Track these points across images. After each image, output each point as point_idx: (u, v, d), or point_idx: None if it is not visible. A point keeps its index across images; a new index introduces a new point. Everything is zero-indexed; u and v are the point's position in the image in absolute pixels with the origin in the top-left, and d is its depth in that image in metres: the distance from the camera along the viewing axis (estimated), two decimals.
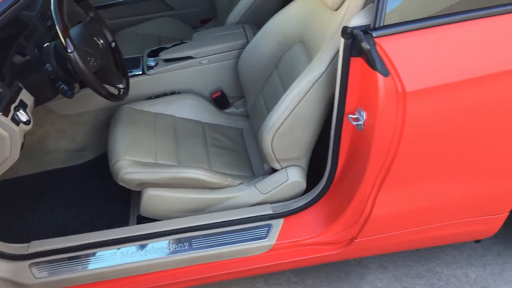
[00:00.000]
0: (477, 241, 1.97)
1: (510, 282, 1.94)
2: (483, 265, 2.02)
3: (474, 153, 1.51)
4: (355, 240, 1.70)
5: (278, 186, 1.74)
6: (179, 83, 2.16)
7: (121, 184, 1.75)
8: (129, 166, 1.72)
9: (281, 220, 1.73)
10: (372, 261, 2.04)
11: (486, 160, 1.53)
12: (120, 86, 1.81)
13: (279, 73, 1.92)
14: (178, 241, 1.69)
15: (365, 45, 1.31)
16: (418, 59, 1.35)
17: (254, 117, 2.05)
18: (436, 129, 1.42)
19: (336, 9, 1.56)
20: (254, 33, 2.05)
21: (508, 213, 1.74)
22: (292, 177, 1.74)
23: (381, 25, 1.33)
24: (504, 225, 2.17)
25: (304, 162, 1.77)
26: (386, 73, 1.31)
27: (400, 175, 1.51)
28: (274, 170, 1.78)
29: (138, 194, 1.80)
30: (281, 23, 1.89)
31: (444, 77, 1.35)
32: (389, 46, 1.32)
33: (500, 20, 1.36)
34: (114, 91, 1.78)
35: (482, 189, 1.61)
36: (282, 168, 1.75)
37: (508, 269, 1.99)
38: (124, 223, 1.92)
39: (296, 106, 1.57)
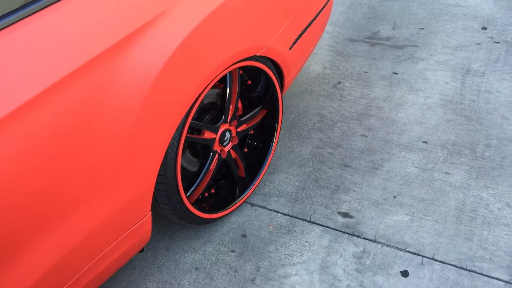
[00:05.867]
0: (141, 251, 1.82)
1: (188, 270, 1.88)
2: (158, 269, 1.89)
3: (66, 181, 1.27)
4: None
5: None
6: None
7: None
8: None
9: None
10: None
11: (83, 181, 1.32)
12: None
13: None
14: None
15: None
16: None
17: None
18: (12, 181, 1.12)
19: None
20: None
21: (150, 211, 1.62)
22: None
23: None
24: (161, 218, 2.10)
25: None
26: None
27: None
28: None
29: None
30: None
31: None
32: None
33: None
34: None
35: (106, 208, 1.41)
36: None
37: (180, 260, 1.92)
38: None
39: None
